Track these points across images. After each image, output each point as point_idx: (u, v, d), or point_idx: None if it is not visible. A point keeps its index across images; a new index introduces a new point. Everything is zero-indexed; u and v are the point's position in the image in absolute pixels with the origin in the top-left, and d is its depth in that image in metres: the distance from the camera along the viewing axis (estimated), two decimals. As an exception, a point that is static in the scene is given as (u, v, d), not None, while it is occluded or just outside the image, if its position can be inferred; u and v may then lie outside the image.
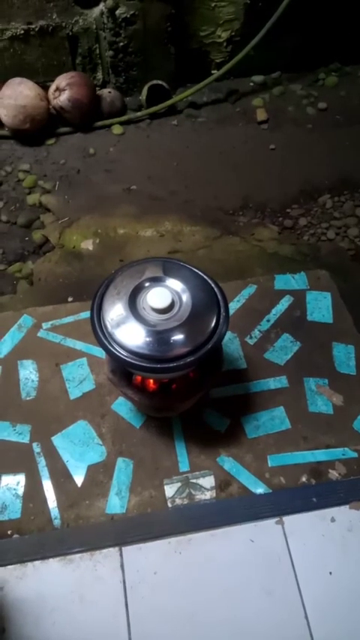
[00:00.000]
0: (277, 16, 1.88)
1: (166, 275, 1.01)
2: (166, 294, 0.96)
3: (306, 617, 0.99)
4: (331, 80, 2.18)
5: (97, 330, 0.96)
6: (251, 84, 2.18)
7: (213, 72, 2.07)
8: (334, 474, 1.17)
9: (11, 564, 1.03)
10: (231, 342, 1.37)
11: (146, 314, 0.96)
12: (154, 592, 1.01)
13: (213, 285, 1.02)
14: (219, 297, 1.00)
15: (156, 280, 1.00)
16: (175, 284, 1.00)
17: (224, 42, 2.06)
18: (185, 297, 0.98)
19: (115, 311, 0.96)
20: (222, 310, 0.98)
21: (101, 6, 1.86)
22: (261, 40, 1.94)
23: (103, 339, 0.95)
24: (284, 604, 1.00)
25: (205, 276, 1.03)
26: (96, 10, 1.89)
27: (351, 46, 2.17)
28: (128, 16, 1.85)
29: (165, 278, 1.00)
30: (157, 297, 0.96)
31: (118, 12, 1.84)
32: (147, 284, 1.00)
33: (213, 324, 0.96)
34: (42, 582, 1.02)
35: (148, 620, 0.99)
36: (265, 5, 1.91)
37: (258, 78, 2.17)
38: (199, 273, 1.03)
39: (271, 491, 1.14)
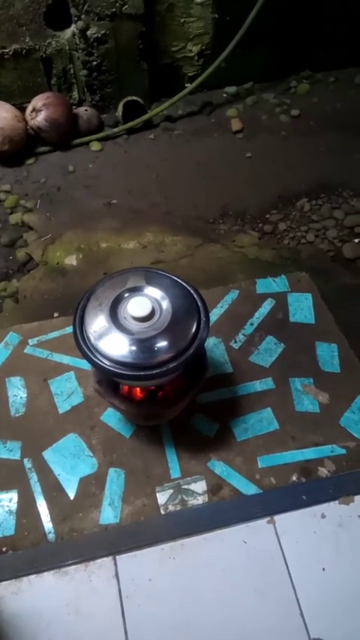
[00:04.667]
0: (245, 28, 1.93)
1: (146, 284, 1.02)
2: (145, 302, 0.98)
3: (301, 615, 0.99)
4: (302, 88, 2.23)
5: (80, 343, 0.98)
6: (225, 95, 2.23)
7: (186, 85, 2.12)
8: (323, 472, 1.18)
9: (6, 580, 1.03)
10: (216, 347, 1.39)
11: (128, 323, 0.98)
12: (149, 599, 1.02)
13: (192, 291, 1.04)
14: (199, 303, 1.02)
15: (135, 290, 1.02)
16: (154, 292, 1.01)
17: (195, 56, 2.11)
18: (165, 305, 1.00)
19: (97, 323, 0.98)
20: (202, 316, 1.00)
21: (73, 27, 1.91)
22: (231, 52, 1.99)
23: (86, 350, 0.97)
24: (279, 603, 1.01)
25: (184, 284, 1.05)
26: (68, 32, 1.93)
27: (321, 54, 2.23)
28: (99, 35, 1.89)
29: (144, 287, 1.02)
30: (137, 306, 0.97)
31: (89, 32, 1.88)
32: (127, 294, 1.01)
33: (194, 330, 0.98)
34: (37, 597, 1.02)
35: (145, 629, 0.99)
36: (233, 19, 1.97)
37: (231, 89, 2.22)
38: (179, 280, 1.05)
39: (261, 491, 1.15)
